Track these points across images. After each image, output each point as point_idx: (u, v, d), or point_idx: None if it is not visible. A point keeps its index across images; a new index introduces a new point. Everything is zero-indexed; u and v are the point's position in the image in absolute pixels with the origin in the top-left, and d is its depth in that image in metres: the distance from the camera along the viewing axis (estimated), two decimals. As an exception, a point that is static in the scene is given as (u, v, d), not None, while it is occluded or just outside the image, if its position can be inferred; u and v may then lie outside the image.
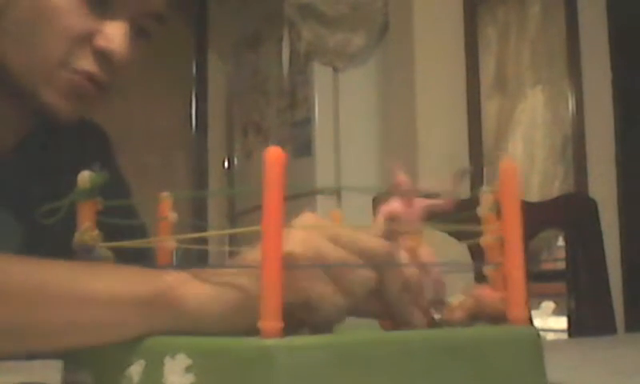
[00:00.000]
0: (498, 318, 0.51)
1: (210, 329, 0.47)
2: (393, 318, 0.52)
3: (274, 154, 0.41)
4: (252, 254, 0.51)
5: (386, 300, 0.51)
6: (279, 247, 0.40)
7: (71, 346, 0.51)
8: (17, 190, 0.88)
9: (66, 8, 0.79)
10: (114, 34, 0.81)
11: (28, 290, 0.49)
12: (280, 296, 0.40)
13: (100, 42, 0.81)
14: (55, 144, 0.95)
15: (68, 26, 0.80)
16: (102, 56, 0.81)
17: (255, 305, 0.46)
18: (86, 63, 0.81)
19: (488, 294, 0.52)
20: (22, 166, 0.90)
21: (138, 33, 0.85)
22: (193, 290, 0.48)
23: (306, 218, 0.51)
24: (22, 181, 0.89)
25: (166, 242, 0.54)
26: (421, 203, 0.51)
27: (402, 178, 0.51)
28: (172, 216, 0.56)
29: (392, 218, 0.51)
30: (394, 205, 0.51)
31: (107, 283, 0.49)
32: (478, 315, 0.53)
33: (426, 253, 0.53)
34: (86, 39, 0.81)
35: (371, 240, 0.50)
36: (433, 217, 0.52)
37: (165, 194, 0.56)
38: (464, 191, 0.51)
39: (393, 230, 0.51)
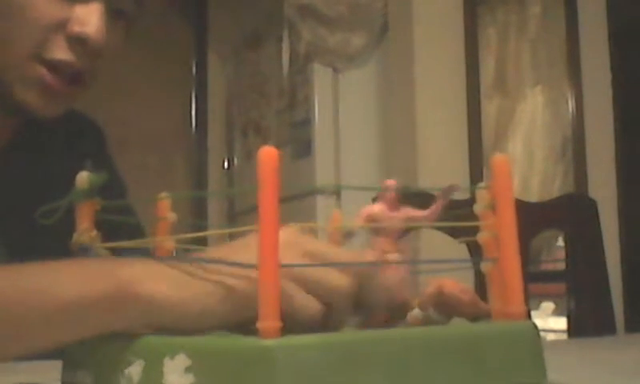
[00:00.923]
0: (465, 310, 0.52)
1: (171, 325, 0.47)
2: (369, 324, 0.52)
3: (267, 154, 0.41)
4: (218, 252, 0.51)
5: (362, 306, 0.51)
6: (276, 247, 0.40)
7: (38, 348, 0.50)
8: (3, 197, 0.85)
9: None
10: (88, 18, 0.78)
11: None
12: (278, 296, 0.40)
13: (74, 27, 0.78)
14: (46, 142, 0.92)
15: (39, 16, 0.77)
16: (78, 42, 0.78)
17: (218, 302, 0.46)
18: (61, 52, 0.78)
19: (448, 284, 0.52)
20: (10, 169, 0.87)
21: (116, 15, 0.82)
22: (152, 286, 0.47)
23: (286, 231, 0.51)
24: (9, 186, 0.86)
25: (165, 242, 0.54)
26: (405, 212, 0.51)
27: (391, 181, 0.51)
28: (171, 216, 0.56)
29: (371, 220, 0.51)
30: (377, 207, 0.51)
31: (69, 283, 0.48)
32: (441, 307, 0.53)
33: (396, 258, 0.53)
34: (59, 27, 0.78)
35: (347, 255, 0.50)
36: (412, 227, 0.52)
37: (163, 195, 0.56)
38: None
39: (371, 230, 0.51)
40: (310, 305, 0.47)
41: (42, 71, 0.78)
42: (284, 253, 0.44)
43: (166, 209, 0.56)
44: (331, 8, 2.75)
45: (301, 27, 2.83)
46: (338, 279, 0.48)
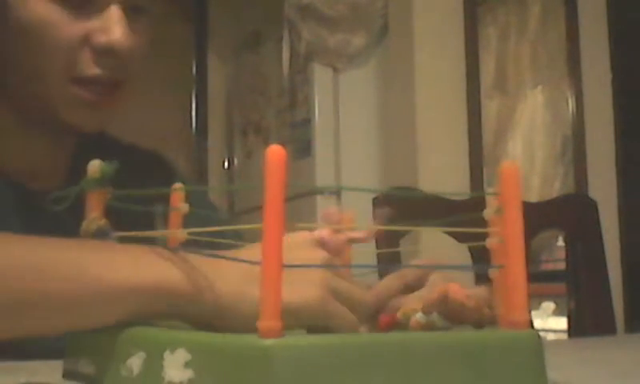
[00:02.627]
0: (469, 316, 0.52)
1: (201, 320, 0.50)
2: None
3: (275, 153, 0.41)
4: (248, 252, 0.52)
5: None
6: (280, 246, 0.40)
7: (69, 327, 0.51)
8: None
9: (49, 20, 0.75)
10: (109, 25, 0.76)
11: (29, 268, 0.49)
12: (279, 295, 0.39)
13: (98, 39, 0.77)
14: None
15: (59, 37, 0.76)
16: (105, 52, 0.77)
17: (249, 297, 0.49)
18: (90, 68, 0.77)
19: (453, 289, 0.52)
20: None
21: (135, 13, 0.80)
22: (191, 282, 0.50)
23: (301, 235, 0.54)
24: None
25: (177, 234, 0.54)
26: (345, 235, 0.55)
27: (333, 210, 0.55)
28: (184, 207, 0.56)
29: (322, 243, 0.54)
30: (323, 232, 0.55)
31: (111, 267, 0.49)
32: (445, 312, 0.53)
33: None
34: (83, 42, 0.77)
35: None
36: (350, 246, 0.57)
37: (177, 186, 0.56)
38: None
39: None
40: (346, 316, 0.51)
41: (77, 90, 0.78)
42: (299, 253, 0.48)
43: (179, 200, 0.56)
44: (331, 8, 2.75)
45: (301, 27, 2.83)
46: (362, 295, 0.54)
